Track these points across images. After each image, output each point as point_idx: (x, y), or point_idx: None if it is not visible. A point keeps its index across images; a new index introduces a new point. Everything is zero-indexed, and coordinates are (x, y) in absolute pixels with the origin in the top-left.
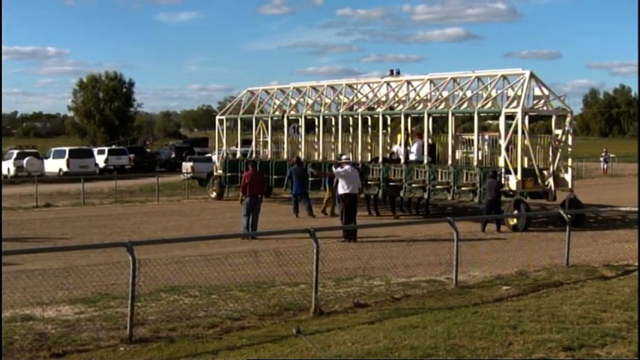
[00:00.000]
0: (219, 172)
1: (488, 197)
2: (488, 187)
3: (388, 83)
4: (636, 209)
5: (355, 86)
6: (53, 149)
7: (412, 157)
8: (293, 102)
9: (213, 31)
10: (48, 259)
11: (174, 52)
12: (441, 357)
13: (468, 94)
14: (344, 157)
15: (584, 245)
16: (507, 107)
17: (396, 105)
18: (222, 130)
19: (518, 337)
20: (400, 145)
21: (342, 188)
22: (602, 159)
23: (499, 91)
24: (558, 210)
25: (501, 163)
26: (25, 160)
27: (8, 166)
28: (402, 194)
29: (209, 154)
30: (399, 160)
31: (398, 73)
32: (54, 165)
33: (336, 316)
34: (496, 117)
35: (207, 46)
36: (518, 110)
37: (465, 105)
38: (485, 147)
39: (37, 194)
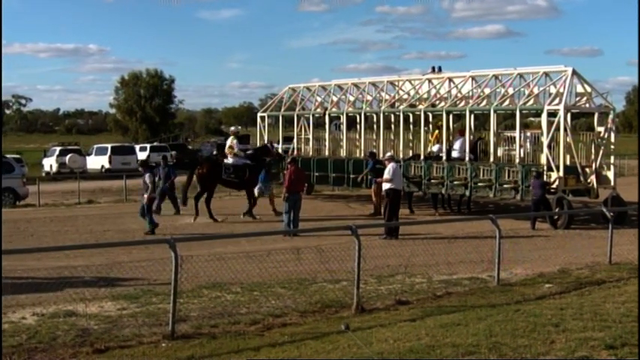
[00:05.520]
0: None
1: (533, 197)
2: (532, 186)
3: (430, 80)
4: None
5: (397, 83)
6: (95, 146)
7: (455, 154)
8: (334, 99)
9: (254, 29)
10: (90, 255)
11: (216, 49)
12: (482, 355)
13: (510, 91)
14: (388, 154)
15: (626, 243)
16: (549, 104)
17: (437, 102)
18: (264, 127)
19: (561, 335)
20: (440, 142)
21: (386, 184)
22: None
23: (541, 88)
24: (600, 208)
25: (544, 161)
26: (67, 157)
27: (51, 163)
28: (443, 191)
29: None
30: (439, 157)
31: (440, 70)
32: (96, 162)
33: (378, 313)
34: (538, 114)
35: (248, 43)
36: (561, 107)
37: (507, 102)
38: (528, 144)
39: (80, 191)
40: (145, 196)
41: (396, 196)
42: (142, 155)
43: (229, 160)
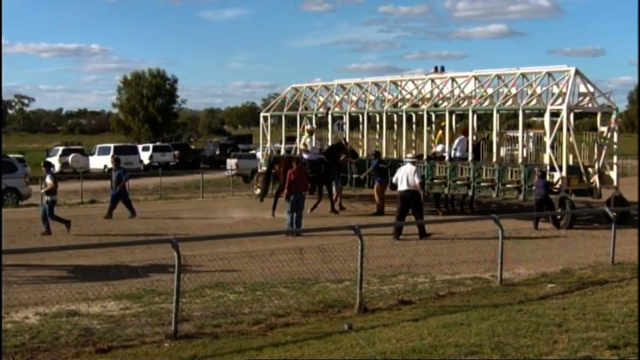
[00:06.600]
0: (264, 168)
1: (536, 196)
2: (536, 185)
3: (432, 80)
4: None
5: (399, 83)
6: (98, 146)
7: (457, 154)
8: (337, 99)
9: (256, 28)
10: (93, 255)
11: (218, 49)
12: (485, 355)
13: (513, 90)
14: (408, 155)
15: (629, 243)
16: (552, 104)
17: (440, 102)
18: (267, 126)
19: (563, 335)
20: (442, 142)
21: (399, 185)
22: None
23: (544, 88)
24: (603, 208)
25: (546, 161)
26: (70, 157)
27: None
28: (446, 191)
29: (253, 151)
30: (442, 157)
31: (442, 69)
32: (99, 161)
33: (381, 313)
34: (541, 114)
35: (250, 43)
36: (563, 107)
37: (510, 102)
38: (530, 144)
39: (82, 190)
40: (47, 198)
41: (405, 198)
42: (144, 155)
43: (305, 155)
